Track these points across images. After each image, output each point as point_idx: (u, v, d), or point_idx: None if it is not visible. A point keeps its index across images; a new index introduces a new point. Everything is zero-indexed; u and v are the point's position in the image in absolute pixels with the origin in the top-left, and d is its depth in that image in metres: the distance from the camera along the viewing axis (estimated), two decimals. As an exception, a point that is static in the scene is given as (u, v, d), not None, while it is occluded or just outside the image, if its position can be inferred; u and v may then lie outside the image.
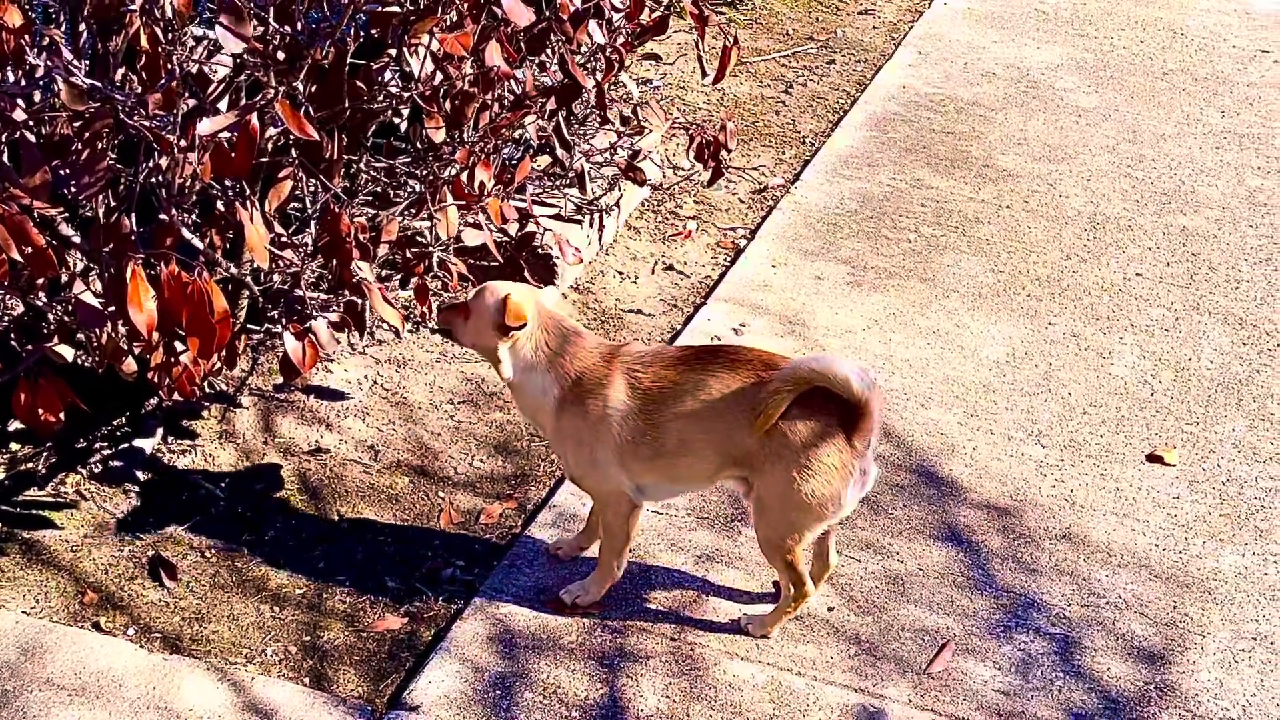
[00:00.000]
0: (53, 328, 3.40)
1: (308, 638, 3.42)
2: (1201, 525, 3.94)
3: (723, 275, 5.02)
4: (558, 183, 4.61)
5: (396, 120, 3.87)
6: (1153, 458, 4.20)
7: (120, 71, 3.28)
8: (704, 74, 4.86)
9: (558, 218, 4.77)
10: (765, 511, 3.30)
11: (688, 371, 3.28)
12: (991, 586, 3.68)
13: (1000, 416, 4.35)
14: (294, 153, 3.49)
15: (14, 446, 3.87)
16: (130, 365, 3.28)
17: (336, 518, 3.79)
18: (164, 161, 2.96)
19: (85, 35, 3.17)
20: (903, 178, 5.78)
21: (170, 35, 2.75)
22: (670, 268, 5.08)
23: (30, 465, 3.83)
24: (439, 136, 3.61)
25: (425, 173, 3.59)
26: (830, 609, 3.56)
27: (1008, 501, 3.99)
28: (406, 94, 3.24)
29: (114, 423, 3.96)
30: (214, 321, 2.97)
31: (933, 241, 5.33)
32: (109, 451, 3.88)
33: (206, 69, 3.39)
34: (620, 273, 4.98)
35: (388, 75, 3.51)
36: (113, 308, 3.10)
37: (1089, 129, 6.36)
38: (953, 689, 3.36)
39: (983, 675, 3.40)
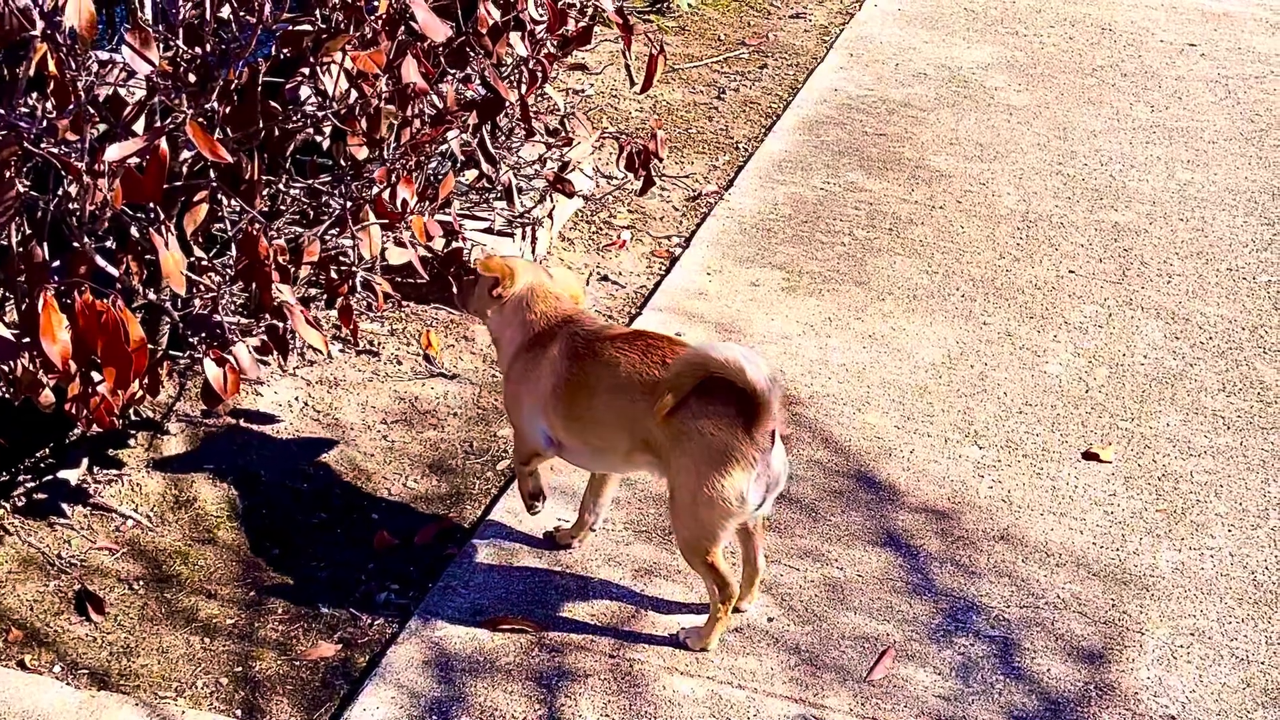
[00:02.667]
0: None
1: (239, 668, 3.36)
2: (1138, 522, 3.95)
3: (658, 284, 4.99)
4: (487, 197, 4.56)
5: (319, 139, 3.82)
6: (1089, 455, 4.21)
7: (32, 98, 3.22)
8: (632, 83, 4.83)
9: (489, 231, 4.73)
10: (677, 509, 3.31)
11: (610, 348, 3.40)
12: (931, 590, 3.67)
13: (937, 418, 4.34)
14: (212, 175, 3.43)
15: (-66, 482, 3.79)
16: (48, 397, 3.21)
17: (268, 544, 3.73)
18: (73, 189, 2.90)
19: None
20: (836, 181, 5.78)
21: (75, 61, 2.69)
22: (605, 278, 5.05)
23: (-49, 501, 3.75)
24: (362, 154, 3.56)
25: (347, 192, 3.54)
26: (770, 619, 3.54)
27: (946, 504, 3.98)
28: (322, 113, 3.19)
29: (37, 454, 3.88)
30: (130, 350, 2.91)
31: (867, 244, 5.32)
32: (33, 484, 3.80)
33: (123, 91, 3.33)
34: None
35: (305, 94, 3.46)
36: (27, 339, 3.03)
37: (1020, 127, 6.39)
38: (894, 696, 3.34)
39: (924, 681, 3.39)
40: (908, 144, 6.15)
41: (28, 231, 3.33)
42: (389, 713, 3.21)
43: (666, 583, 3.63)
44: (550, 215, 5.03)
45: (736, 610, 3.48)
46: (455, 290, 3.61)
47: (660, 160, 4.69)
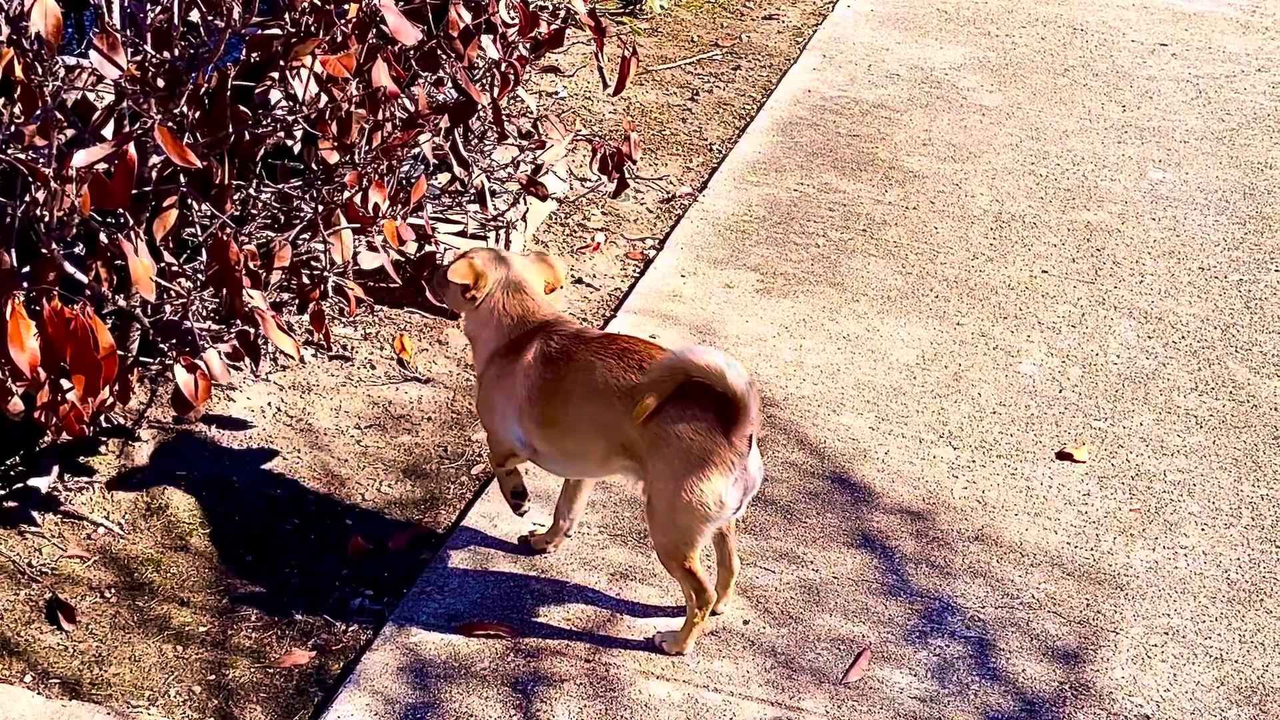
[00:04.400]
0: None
1: (212, 676, 3.34)
2: (1112, 521, 3.96)
3: (632, 287, 4.99)
4: (460, 200, 4.55)
5: (290, 143, 3.80)
6: (1063, 455, 4.22)
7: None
8: (605, 85, 4.83)
9: (463, 235, 4.71)
10: (654, 515, 3.29)
11: (586, 353, 3.36)
12: (906, 591, 3.67)
13: (911, 419, 4.34)
14: (183, 180, 3.41)
15: (-97, 491, 3.75)
16: (16, 405, 3.18)
17: (241, 551, 3.71)
18: (41, 195, 2.87)
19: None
20: (810, 182, 5.78)
21: (42, 66, 2.67)
22: (579, 281, 5.03)
23: (-80, 509, 3.72)
24: (333, 159, 3.54)
25: (318, 196, 3.52)
26: (746, 622, 3.54)
27: (920, 505, 3.99)
28: (292, 118, 3.17)
29: (7, 462, 3.85)
30: (99, 357, 2.89)
31: (841, 246, 5.32)
32: (2, 492, 3.77)
33: (91, 97, 3.30)
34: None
35: (276, 98, 3.44)
36: (-5, 346, 3.00)
37: (993, 127, 6.40)
38: (870, 698, 3.34)
39: (899, 682, 3.39)
40: (881, 145, 6.15)
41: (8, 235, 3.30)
42: (364, 719, 3.20)
43: (642, 586, 3.62)
44: (524, 218, 5.01)
45: (713, 613, 3.47)
46: (427, 287, 3.56)
47: (634, 162, 4.69)
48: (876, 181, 5.83)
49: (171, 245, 3.52)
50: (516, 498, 3.64)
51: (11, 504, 3.75)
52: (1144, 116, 6.59)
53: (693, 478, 3.19)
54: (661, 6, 7.39)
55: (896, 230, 5.46)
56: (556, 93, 6.33)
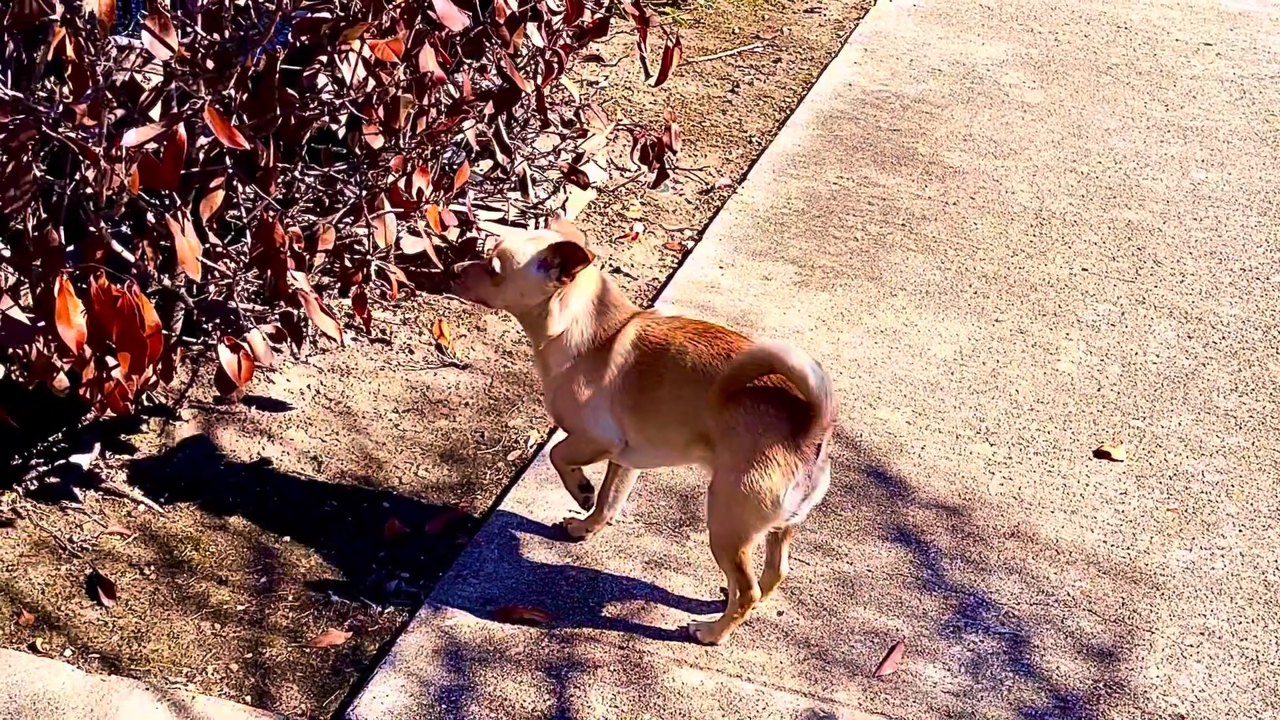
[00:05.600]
0: (-15, 344, 3.32)
1: (250, 654, 3.37)
2: (1149, 520, 3.94)
3: (670, 277, 4.99)
4: (500, 187, 4.56)
5: (335, 127, 3.82)
6: (1100, 453, 4.20)
7: (49, 82, 3.22)
8: (647, 75, 4.83)
9: (502, 222, 4.73)
10: (714, 503, 3.29)
11: (682, 338, 3.34)
12: (941, 586, 3.66)
13: (948, 415, 4.33)
14: (229, 162, 3.43)
15: (-53, 465, 3.80)
16: (62, 381, 3.21)
17: (279, 531, 3.74)
18: (90, 174, 2.90)
19: (10, 46, 3.10)
20: (849, 176, 5.77)
21: (94, 46, 2.69)
22: (617, 270, 5.04)
23: (-36, 484, 3.76)
24: (377, 143, 3.56)
25: (363, 180, 3.54)
26: (780, 613, 3.54)
27: (956, 500, 3.98)
28: (339, 101, 3.19)
29: (50, 439, 3.89)
30: (145, 335, 2.92)
31: (880, 240, 5.31)
32: (45, 468, 3.81)
33: (140, 77, 3.33)
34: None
35: (322, 82, 3.46)
36: (42, 323, 3.03)
37: (1034, 124, 6.37)
38: (903, 691, 3.34)
39: (933, 676, 3.38)
40: (921, 140, 6.14)
41: (44, 216, 3.34)
42: (399, 700, 3.22)
43: (677, 575, 3.63)
44: (564, 207, 5.03)
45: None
46: (456, 280, 3.45)
47: (674, 153, 4.69)
48: (916, 176, 5.81)
49: (215, 227, 3.54)
50: (584, 491, 3.60)
51: (53, 480, 3.79)
52: (1187, 116, 6.55)
53: (754, 473, 3.18)
54: (704, -2, 7.39)
55: (936, 225, 5.44)
56: (597, 83, 6.34)
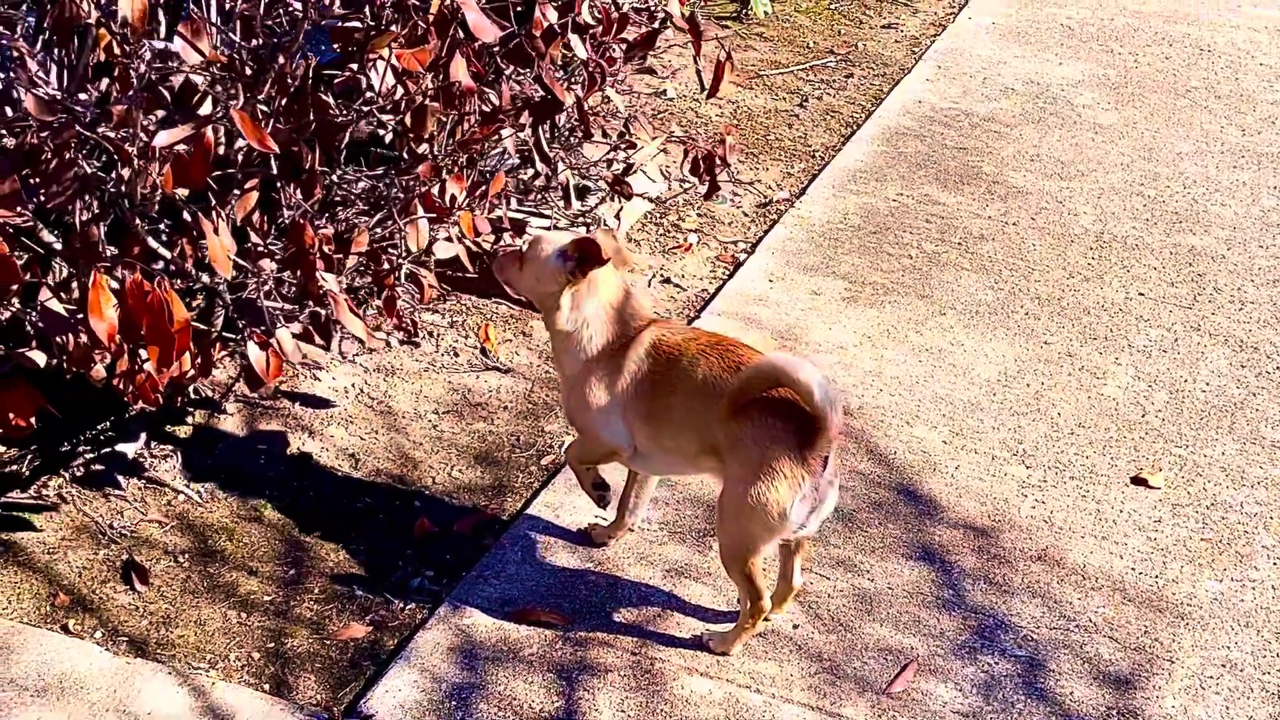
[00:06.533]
0: (32, 334, 3.45)
1: (272, 644, 3.45)
2: (1181, 549, 3.90)
3: (719, 289, 5.02)
4: (547, 196, 4.63)
5: (382, 132, 3.91)
6: (1137, 480, 4.16)
7: (102, 85, 3.34)
8: (702, 88, 4.87)
9: (553, 229, 4.79)
10: (722, 515, 3.32)
11: (695, 349, 3.39)
12: (961, 606, 3.66)
13: (986, 436, 4.32)
14: (274, 165, 3.53)
15: (-1, 449, 3.94)
16: (99, 372, 3.33)
17: (311, 525, 3.83)
18: (125, 172, 3.01)
19: (55, 47, 3.22)
20: (910, 193, 5.76)
21: (127, 48, 2.80)
22: (668, 280, 5.09)
23: (14, 468, 3.89)
24: (421, 149, 3.64)
25: (398, 185, 3.62)
26: (795, 626, 3.56)
27: (986, 521, 3.97)
28: (367, 108, 3.27)
29: (99, 427, 4.02)
30: (173, 330, 3.01)
31: (934, 258, 5.30)
32: (92, 456, 3.94)
33: (199, 80, 3.43)
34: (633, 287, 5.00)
35: (365, 85, 3.54)
36: (81, 315, 3.14)
37: (1105, 146, 6.31)
38: (912, 709, 3.34)
39: (943, 696, 3.38)
40: (987, 159, 6.11)
41: (96, 211, 3.46)
42: (410, 695, 3.29)
43: (696, 585, 3.66)
44: (618, 216, 5.08)
45: (764, 620, 3.49)
46: (495, 262, 3.53)
47: (727, 165, 4.72)
48: (978, 196, 5.79)
49: (266, 228, 3.64)
50: (599, 489, 3.65)
51: (99, 467, 3.91)
52: (1264, 142, 6.44)
53: (760, 484, 3.22)
54: (765, 11, 7.40)
55: (993, 245, 5.42)
56: (664, 93, 6.39)
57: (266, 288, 3.29)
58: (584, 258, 3.38)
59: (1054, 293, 5.12)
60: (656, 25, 4.43)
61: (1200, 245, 5.51)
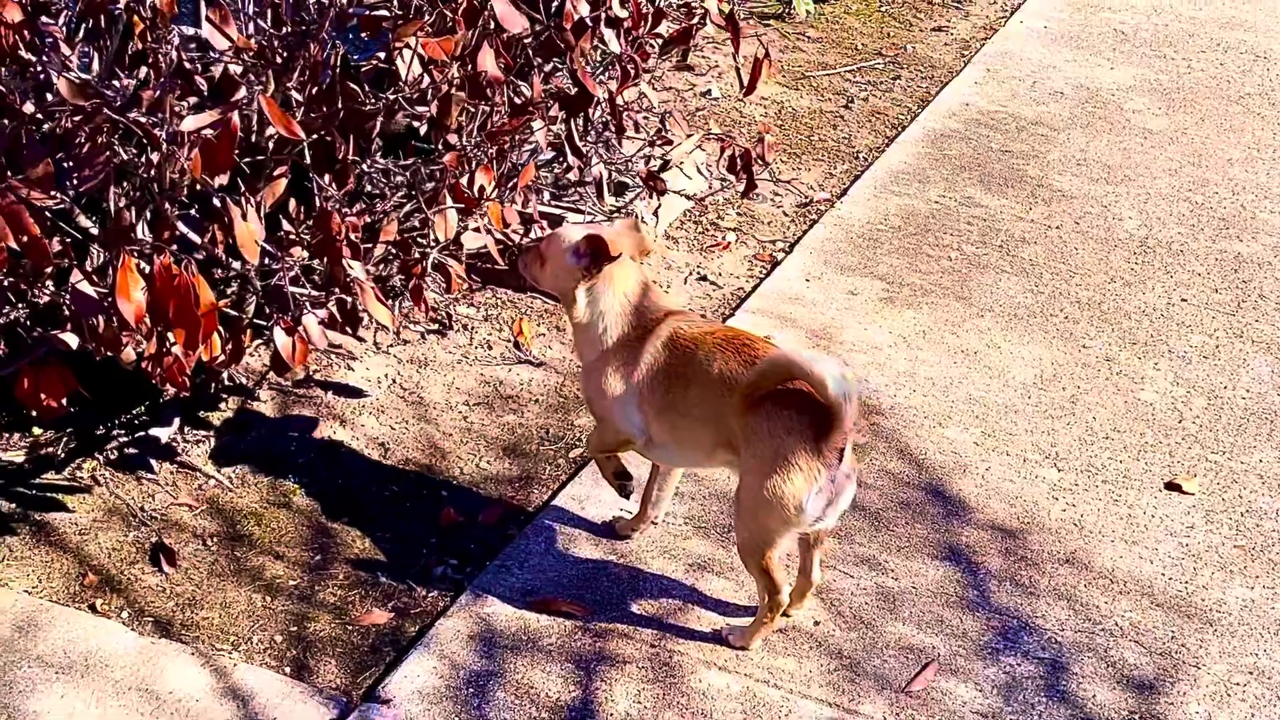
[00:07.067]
0: (65, 316, 3.50)
1: (294, 628, 3.49)
2: (1213, 556, 3.85)
3: (755, 287, 5.02)
4: (584, 191, 4.64)
5: (415, 124, 3.93)
6: (1171, 486, 4.12)
7: (139, 72, 3.39)
8: (741, 86, 4.86)
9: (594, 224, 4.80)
10: (739, 509, 3.32)
11: (711, 342, 3.39)
12: (985, 607, 3.63)
13: (1019, 438, 4.28)
14: (308, 153, 3.57)
15: (36, 431, 3.99)
16: (129, 355, 3.37)
17: (339, 512, 3.86)
18: (155, 156, 3.05)
19: (98, 37, 3.27)
20: (952, 195, 5.73)
21: (155, 35, 2.84)
22: (704, 278, 5.09)
23: (50, 450, 3.95)
24: (453, 140, 3.66)
25: (426, 176, 3.64)
26: (816, 623, 3.55)
27: (1014, 523, 3.94)
28: (393, 96, 3.30)
29: (134, 411, 4.07)
30: (199, 314, 3.05)
31: (974, 260, 5.27)
32: (126, 439, 3.99)
33: (234, 69, 3.48)
34: (653, 281, 4.99)
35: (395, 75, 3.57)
36: (111, 297, 3.19)
37: (1153, 151, 6.24)
38: (930, 708, 3.32)
39: (963, 696, 3.36)
40: (1033, 162, 6.06)
41: (135, 195, 3.50)
42: (429, 681, 3.31)
43: (718, 579, 3.66)
44: (656, 213, 5.08)
45: (784, 615, 3.49)
46: (520, 257, 3.57)
47: (765, 164, 4.71)
48: (1022, 199, 5.74)
49: (302, 217, 3.68)
50: (620, 479, 3.67)
51: (132, 451, 3.97)
52: (1317, 148, 6.35)
53: (776, 477, 3.21)
54: (809, 10, 7.37)
55: (1034, 249, 5.37)
56: (708, 93, 6.39)
57: (293, 274, 3.32)
58: (596, 254, 3.40)
59: (1095, 297, 5.08)
60: (694, 21, 4.43)
61: (1246, 252, 5.44)
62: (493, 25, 3.35)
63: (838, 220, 5.49)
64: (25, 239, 3.02)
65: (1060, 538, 3.89)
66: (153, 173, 3.11)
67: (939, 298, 5.01)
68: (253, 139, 3.42)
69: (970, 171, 5.94)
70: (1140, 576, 3.76)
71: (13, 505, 3.77)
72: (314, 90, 3.28)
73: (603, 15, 3.66)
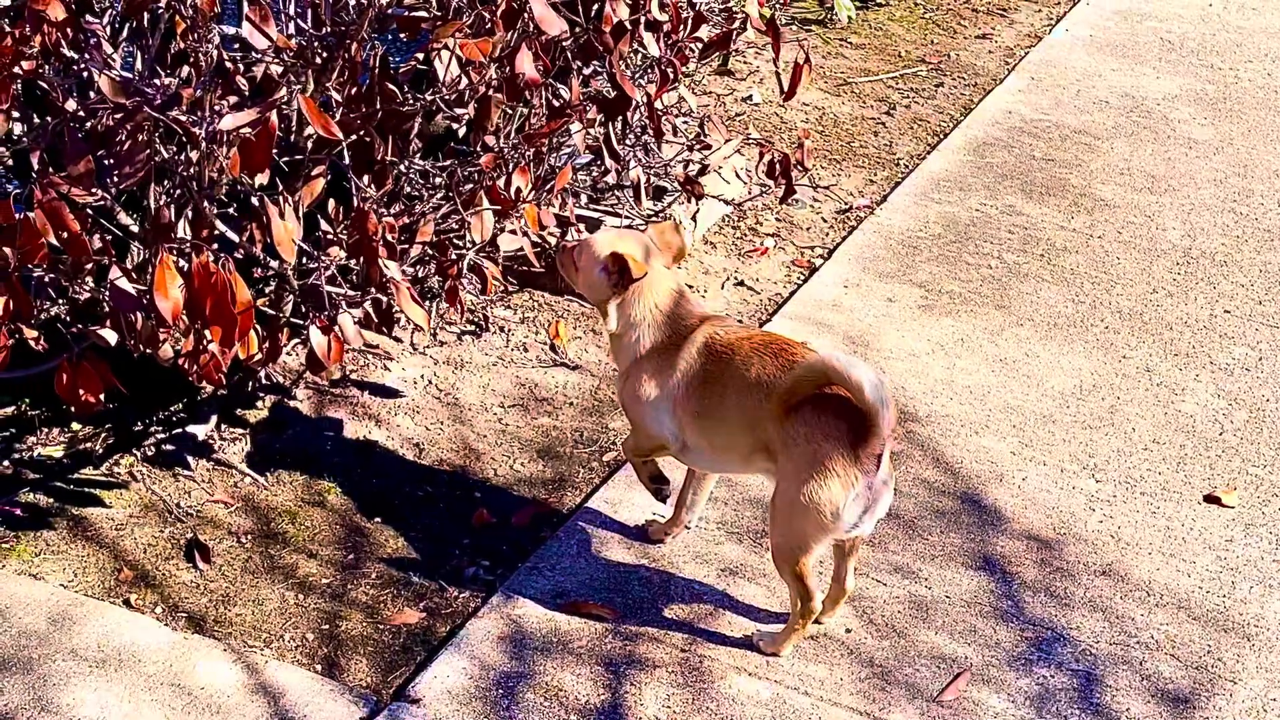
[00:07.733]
0: (105, 313, 3.53)
1: (326, 626, 3.50)
2: (1252, 569, 3.81)
3: (793, 293, 5.00)
4: (622, 195, 4.64)
5: (455, 126, 3.95)
6: (1211, 498, 4.07)
7: (184, 70, 3.42)
8: (781, 90, 4.85)
9: (629, 229, 4.80)
10: (774, 514, 3.30)
11: (748, 348, 3.38)
12: (1019, 618, 3.60)
13: (1056, 448, 4.25)
14: (346, 154, 3.58)
15: (74, 426, 4.03)
16: (166, 352, 3.40)
17: (372, 511, 3.87)
18: (194, 155, 3.07)
19: (142, 36, 3.30)
20: (993, 203, 5.70)
21: (196, 34, 2.86)
22: (741, 284, 5.08)
23: (88, 445, 3.99)
24: (490, 141, 3.67)
25: (464, 177, 3.65)
26: (848, 630, 3.53)
27: (1051, 534, 3.90)
28: (431, 97, 3.31)
29: (171, 408, 4.10)
30: (236, 311, 3.07)
31: (1014, 269, 5.24)
32: (164, 436, 4.02)
33: (275, 70, 3.50)
34: (689, 286, 4.99)
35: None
36: (149, 295, 3.21)
37: (1198, 161, 6.19)
38: (961, 718, 3.30)
39: (995, 706, 3.33)
40: (1076, 171, 6.02)
41: (175, 193, 3.53)
42: (458, 681, 3.31)
43: (750, 585, 3.65)
44: (694, 218, 5.08)
45: (815, 622, 3.47)
46: (557, 257, 3.59)
47: (804, 170, 4.70)
48: (1064, 208, 5.70)
49: (341, 217, 3.70)
50: (656, 483, 3.66)
51: (169, 447, 3.99)
52: (1365, 160, 6.28)
53: (813, 483, 3.20)
54: (850, 17, 7.35)
55: (1076, 258, 5.34)
56: (749, 98, 6.38)
57: (329, 273, 3.34)
58: (623, 272, 3.39)
59: (1136, 307, 5.04)
60: (735, 26, 4.42)
61: (1292, 263, 5.38)
62: (531, 27, 3.36)
63: (877, 227, 5.47)
64: (65, 235, 3.04)
65: (1097, 549, 3.86)
66: (192, 171, 3.13)
67: (978, 306, 4.98)
68: (291, 139, 3.44)
69: (1012, 180, 5.91)
70: (1177, 589, 3.73)
71: (50, 500, 3.80)
72: (353, 91, 3.30)
73: (642, 19, 3.67)
